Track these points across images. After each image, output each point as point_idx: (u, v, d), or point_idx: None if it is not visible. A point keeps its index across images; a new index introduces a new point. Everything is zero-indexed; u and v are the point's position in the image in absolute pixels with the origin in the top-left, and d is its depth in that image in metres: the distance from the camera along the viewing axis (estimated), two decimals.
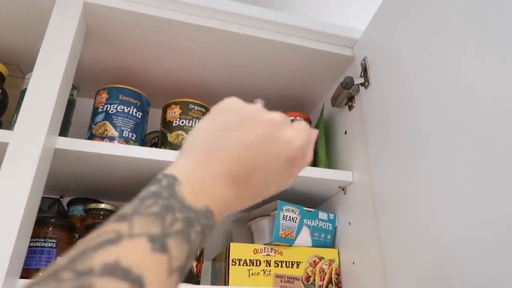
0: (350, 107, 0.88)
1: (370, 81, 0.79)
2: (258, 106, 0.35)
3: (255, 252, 0.78)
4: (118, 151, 0.70)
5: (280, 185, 0.35)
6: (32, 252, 0.65)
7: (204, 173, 0.30)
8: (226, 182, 0.31)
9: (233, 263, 0.76)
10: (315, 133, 0.38)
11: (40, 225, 0.67)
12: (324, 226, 0.86)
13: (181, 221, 0.26)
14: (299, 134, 0.35)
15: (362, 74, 0.82)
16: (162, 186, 0.28)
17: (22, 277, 0.58)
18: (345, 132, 0.90)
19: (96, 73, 0.93)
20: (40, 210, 0.70)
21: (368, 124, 0.79)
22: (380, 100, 0.75)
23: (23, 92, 0.76)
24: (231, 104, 0.34)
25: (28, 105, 0.62)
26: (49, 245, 0.65)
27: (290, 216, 0.82)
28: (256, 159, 0.32)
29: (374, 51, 0.80)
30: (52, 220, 0.68)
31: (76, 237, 0.74)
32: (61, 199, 0.83)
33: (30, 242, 0.66)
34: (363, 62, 0.82)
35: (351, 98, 0.88)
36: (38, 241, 0.66)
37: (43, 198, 0.72)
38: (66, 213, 0.83)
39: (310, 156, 0.37)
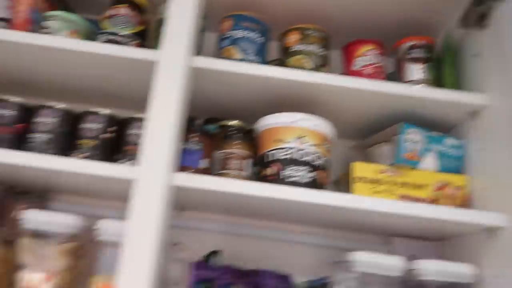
0: (482, 27, 0.81)
1: None
2: None
3: (379, 172, 0.78)
4: (255, 70, 0.76)
5: None
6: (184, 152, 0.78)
7: None
8: None
9: (357, 181, 0.77)
10: None
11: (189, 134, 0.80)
12: (451, 152, 0.82)
13: None
14: None
15: None
16: None
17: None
18: (476, 55, 0.84)
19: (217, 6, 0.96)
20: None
21: (509, 43, 0.72)
22: None
23: (157, 22, 0.83)
24: None
25: (170, 31, 0.71)
26: (197, 147, 0.80)
27: (414, 139, 0.80)
28: None
29: None
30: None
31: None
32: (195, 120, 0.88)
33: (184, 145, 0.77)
34: None
35: (482, 17, 0.81)
36: (190, 144, 0.80)
37: None
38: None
39: None
